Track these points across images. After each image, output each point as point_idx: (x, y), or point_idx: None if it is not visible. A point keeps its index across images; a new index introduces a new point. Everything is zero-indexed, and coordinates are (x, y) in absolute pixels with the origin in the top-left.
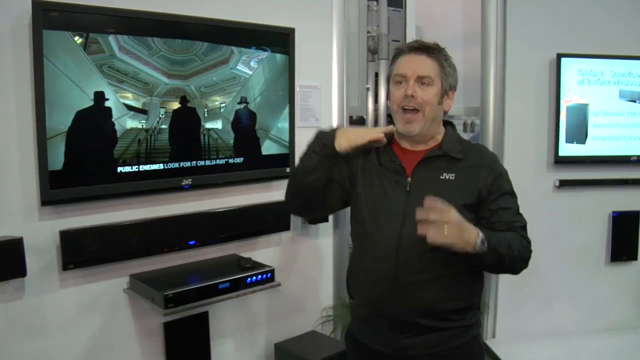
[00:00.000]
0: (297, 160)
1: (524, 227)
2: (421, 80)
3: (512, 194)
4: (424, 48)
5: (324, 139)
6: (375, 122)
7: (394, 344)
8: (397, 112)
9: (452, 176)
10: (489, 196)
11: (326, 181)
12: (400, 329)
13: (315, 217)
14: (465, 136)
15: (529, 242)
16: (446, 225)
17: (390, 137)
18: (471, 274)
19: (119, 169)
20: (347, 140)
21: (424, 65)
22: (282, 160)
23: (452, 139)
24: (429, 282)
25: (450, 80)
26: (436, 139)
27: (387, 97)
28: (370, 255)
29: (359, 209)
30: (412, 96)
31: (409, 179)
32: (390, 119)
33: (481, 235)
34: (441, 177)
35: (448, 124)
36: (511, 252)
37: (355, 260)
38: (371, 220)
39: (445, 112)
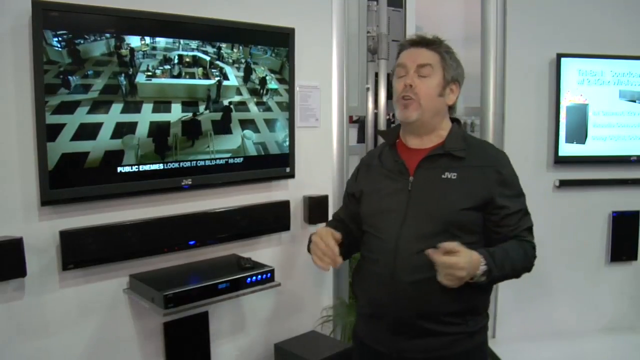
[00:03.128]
0: (297, 161)
1: (529, 229)
2: (420, 70)
3: (519, 194)
4: (423, 41)
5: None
6: (376, 123)
7: (393, 345)
8: (397, 101)
9: (453, 175)
10: (493, 200)
11: (348, 243)
12: (399, 330)
13: None
14: None
15: (533, 247)
16: (445, 274)
17: (395, 135)
18: None
19: (119, 168)
20: (315, 260)
21: (424, 55)
22: (282, 160)
23: (456, 136)
24: (426, 283)
25: (452, 72)
26: (440, 135)
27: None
28: (372, 255)
29: (364, 211)
30: (411, 86)
31: (411, 178)
32: (390, 122)
33: (483, 268)
34: (443, 176)
35: (455, 121)
36: (515, 269)
37: (361, 259)
38: (374, 221)
39: (451, 108)
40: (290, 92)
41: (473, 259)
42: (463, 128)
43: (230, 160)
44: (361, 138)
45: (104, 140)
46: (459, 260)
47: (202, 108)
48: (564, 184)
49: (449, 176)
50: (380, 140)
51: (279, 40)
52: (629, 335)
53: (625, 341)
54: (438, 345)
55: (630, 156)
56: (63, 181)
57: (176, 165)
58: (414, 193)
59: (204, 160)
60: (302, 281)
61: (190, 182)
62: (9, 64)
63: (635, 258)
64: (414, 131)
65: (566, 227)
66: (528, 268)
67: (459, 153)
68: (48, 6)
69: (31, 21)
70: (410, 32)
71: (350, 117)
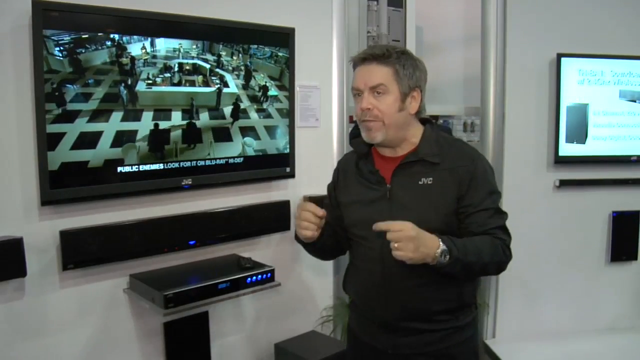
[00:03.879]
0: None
1: (501, 228)
2: (375, 90)
3: (492, 192)
4: (372, 57)
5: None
6: None
7: (388, 342)
8: (359, 123)
9: (430, 180)
10: (462, 197)
11: (334, 239)
12: (391, 330)
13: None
14: (465, 136)
15: (507, 246)
16: (395, 243)
17: (368, 145)
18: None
19: (119, 168)
20: (300, 231)
21: (375, 74)
22: (282, 160)
23: (429, 141)
24: (414, 287)
25: (409, 82)
26: (412, 142)
27: None
28: (361, 263)
29: (347, 222)
30: (369, 109)
31: (389, 186)
32: None
33: (442, 247)
34: (419, 182)
35: (427, 122)
36: (481, 260)
37: (350, 265)
38: (359, 230)
39: (418, 113)
40: (291, 92)
41: (424, 233)
42: (436, 129)
43: (231, 161)
44: None
45: (104, 149)
46: (401, 223)
47: (202, 116)
48: (564, 184)
49: (426, 182)
50: None
51: (279, 40)
52: (629, 335)
53: (625, 341)
54: (431, 340)
55: (630, 156)
56: (63, 181)
57: (176, 165)
58: (394, 201)
59: (204, 160)
60: (302, 281)
61: (190, 182)
62: (9, 64)
63: (635, 258)
64: (384, 145)
65: (566, 227)
66: (498, 264)
67: (433, 159)
68: (48, 6)
69: (31, 21)
70: (410, 32)
71: (351, 117)
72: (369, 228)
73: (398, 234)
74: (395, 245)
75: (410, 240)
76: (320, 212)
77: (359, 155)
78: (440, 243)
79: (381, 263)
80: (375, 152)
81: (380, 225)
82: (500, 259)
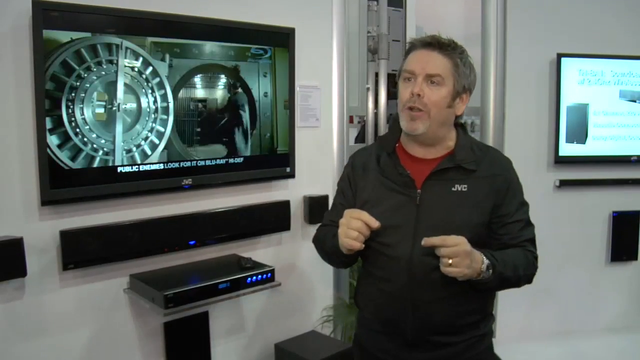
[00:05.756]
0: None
1: (532, 240)
2: (430, 78)
3: (523, 203)
4: (437, 44)
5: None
6: (376, 124)
7: (407, 358)
8: (402, 110)
9: (464, 187)
10: (498, 207)
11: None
12: (415, 346)
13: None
14: None
15: (535, 258)
16: (451, 260)
17: (395, 141)
18: None
19: (119, 169)
20: (347, 244)
21: (435, 62)
22: (282, 160)
23: (465, 146)
24: (443, 300)
25: (464, 81)
26: (447, 145)
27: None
28: (381, 273)
29: None
30: (419, 95)
31: (419, 192)
32: (390, 119)
33: (486, 261)
34: (453, 188)
35: (459, 126)
36: (517, 273)
37: (366, 275)
38: (381, 236)
39: (457, 116)
40: (290, 92)
41: (471, 248)
42: (467, 133)
43: (231, 160)
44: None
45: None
46: (456, 238)
47: (201, 111)
48: (564, 184)
49: (460, 188)
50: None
51: (279, 40)
52: (629, 335)
53: (625, 341)
54: (451, 354)
55: (630, 156)
56: (63, 181)
57: (176, 165)
58: (423, 207)
59: (204, 160)
60: (302, 281)
61: (190, 182)
62: (9, 64)
63: (636, 258)
64: (419, 141)
65: (566, 227)
66: (529, 276)
67: (470, 165)
68: (48, 6)
69: (31, 21)
70: (410, 32)
71: (351, 117)
72: (392, 234)
73: (454, 249)
74: (450, 261)
75: (467, 256)
76: (376, 224)
77: (380, 149)
78: (484, 257)
79: (407, 272)
80: (401, 151)
81: (433, 241)
82: (531, 272)
